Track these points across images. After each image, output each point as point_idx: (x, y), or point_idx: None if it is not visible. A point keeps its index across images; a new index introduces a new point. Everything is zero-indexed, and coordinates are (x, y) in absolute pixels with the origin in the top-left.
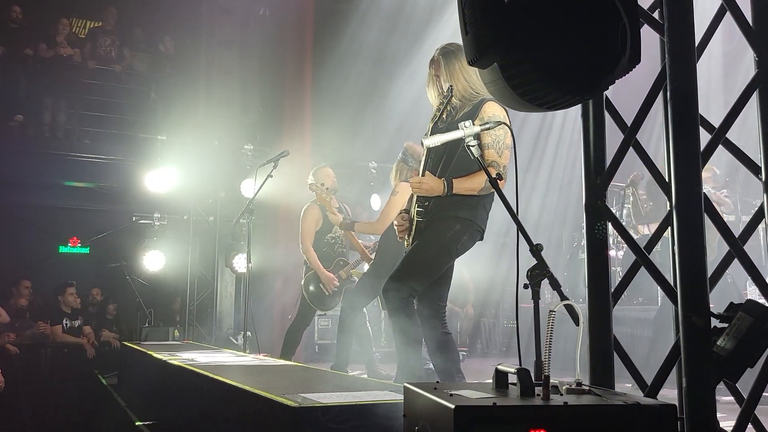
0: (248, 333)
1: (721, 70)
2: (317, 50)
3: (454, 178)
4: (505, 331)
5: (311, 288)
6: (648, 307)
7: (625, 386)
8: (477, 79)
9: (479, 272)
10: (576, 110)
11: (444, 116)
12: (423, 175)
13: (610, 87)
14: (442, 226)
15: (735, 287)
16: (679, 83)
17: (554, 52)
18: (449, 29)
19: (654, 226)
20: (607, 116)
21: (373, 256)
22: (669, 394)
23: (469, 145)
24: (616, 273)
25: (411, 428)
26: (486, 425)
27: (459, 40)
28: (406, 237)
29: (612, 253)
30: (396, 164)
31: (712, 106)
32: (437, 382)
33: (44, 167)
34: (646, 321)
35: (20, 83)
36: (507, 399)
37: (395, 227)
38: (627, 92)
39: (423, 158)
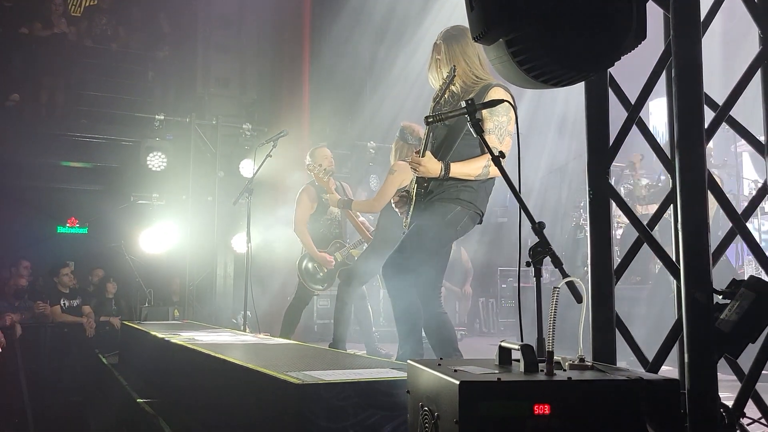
0: (248, 313)
1: (720, 50)
2: (315, 29)
3: (452, 162)
4: (503, 310)
5: (305, 268)
6: (644, 286)
7: (620, 365)
8: (479, 64)
9: (477, 252)
10: (576, 89)
11: (447, 97)
12: (423, 155)
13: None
14: (442, 208)
15: (729, 266)
16: (684, 59)
17: (561, 28)
18: (448, 6)
19: (653, 207)
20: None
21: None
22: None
23: (473, 121)
24: (614, 252)
25: (415, 404)
26: (491, 400)
27: (459, 17)
28: (405, 215)
29: None
30: (395, 143)
31: (710, 86)
32: (440, 358)
33: (41, 147)
34: (642, 300)
35: (15, 62)
36: (511, 375)
37: (393, 204)
38: (629, 70)
39: (424, 138)
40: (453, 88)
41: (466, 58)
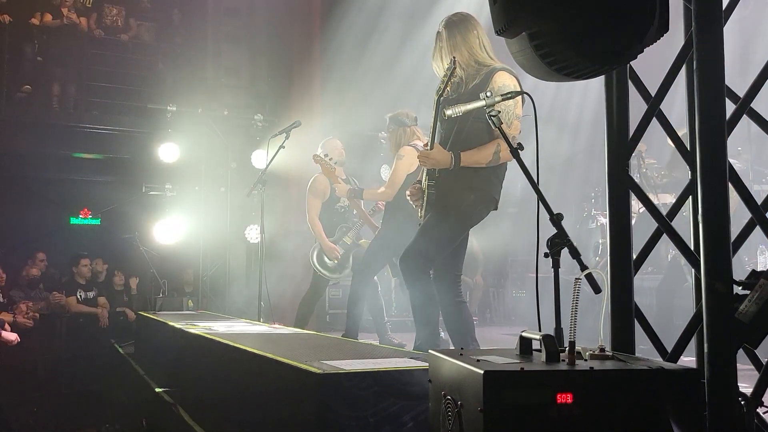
0: (261, 303)
1: (737, 38)
2: (326, 18)
3: (462, 151)
4: (513, 300)
5: (318, 257)
6: (655, 276)
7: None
8: (480, 49)
9: (488, 242)
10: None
11: (449, 89)
12: (432, 147)
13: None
14: (456, 197)
15: (737, 258)
16: (706, 51)
17: (584, 20)
18: None
19: (663, 196)
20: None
21: (379, 224)
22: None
23: (491, 115)
24: None
25: (437, 393)
26: (515, 389)
27: (475, 4)
28: (419, 207)
29: None
30: (390, 134)
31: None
32: (461, 348)
33: (53, 139)
34: (654, 290)
35: (27, 54)
36: (534, 364)
37: (408, 197)
38: (646, 61)
39: (431, 130)
40: (456, 71)
41: (467, 44)
